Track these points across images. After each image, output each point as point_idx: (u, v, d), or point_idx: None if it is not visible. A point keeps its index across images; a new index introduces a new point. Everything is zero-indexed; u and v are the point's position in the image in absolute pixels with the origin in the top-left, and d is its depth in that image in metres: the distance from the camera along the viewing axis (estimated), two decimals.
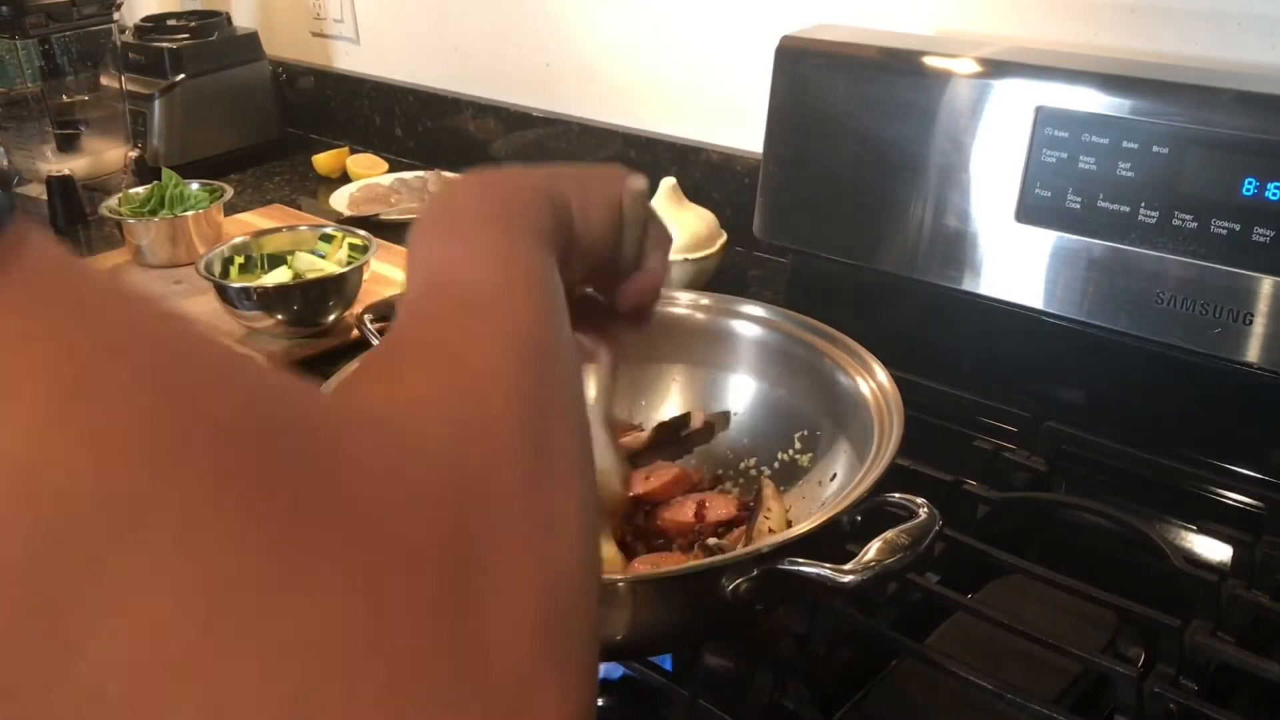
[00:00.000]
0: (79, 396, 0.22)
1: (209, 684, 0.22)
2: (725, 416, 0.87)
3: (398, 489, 0.28)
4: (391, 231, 1.41)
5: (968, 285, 0.94)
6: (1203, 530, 0.81)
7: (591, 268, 0.55)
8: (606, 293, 0.59)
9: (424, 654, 0.26)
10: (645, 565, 0.73)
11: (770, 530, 0.75)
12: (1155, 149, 0.82)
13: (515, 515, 0.31)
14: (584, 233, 0.52)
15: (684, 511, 0.79)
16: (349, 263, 1.16)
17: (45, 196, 1.52)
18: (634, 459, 0.83)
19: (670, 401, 0.89)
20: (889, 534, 0.59)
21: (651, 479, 0.81)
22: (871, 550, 0.58)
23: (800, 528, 0.63)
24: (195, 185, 1.39)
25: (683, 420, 0.86)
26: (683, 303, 0.90)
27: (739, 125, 1.28)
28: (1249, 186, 0.78)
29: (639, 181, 0.57)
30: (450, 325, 0.39)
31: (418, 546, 0.27)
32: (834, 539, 0.64)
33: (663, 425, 0.85)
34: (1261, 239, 0.78)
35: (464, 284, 0.41)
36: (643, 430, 0.86)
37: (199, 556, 0.22)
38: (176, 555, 0.22)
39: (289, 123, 1.85)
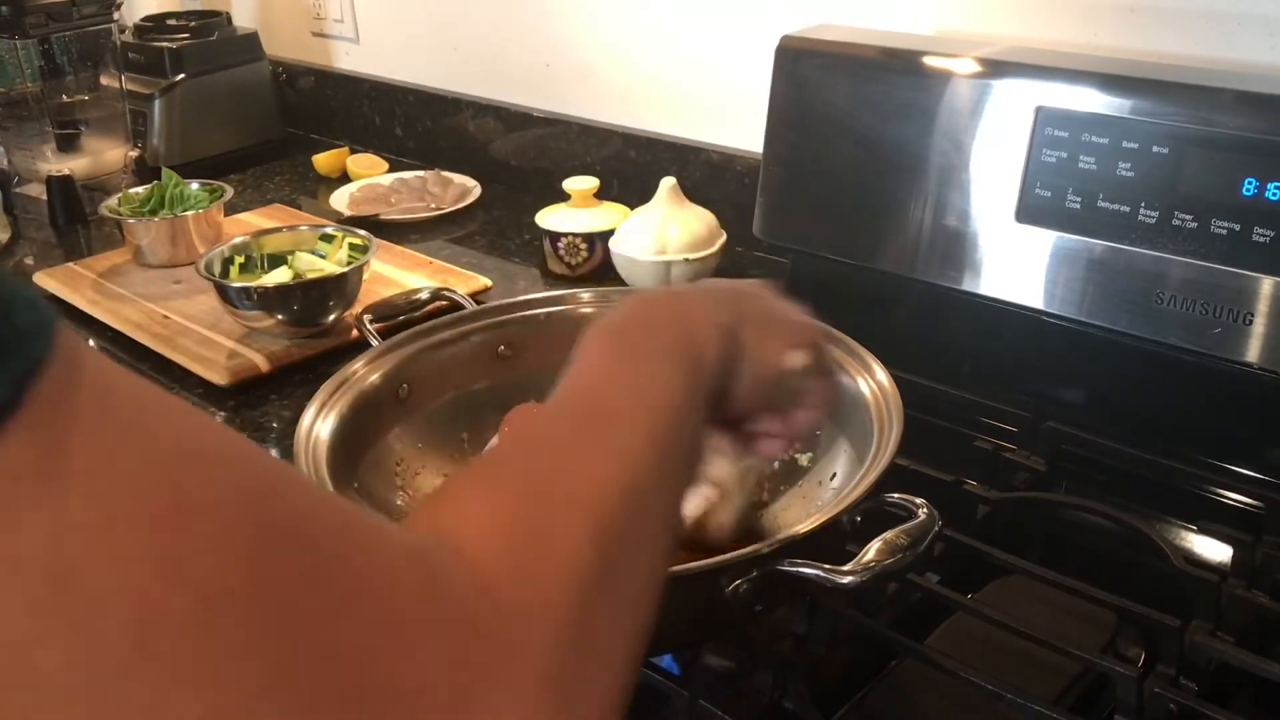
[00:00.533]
0: (70, 577, 0.23)
1: None
2: None
3: (405, 639, 0.28)
4: (391, 231, 1.41)
5: (968, 285, 0.94)
6: (1203, 530, 0.81)
7: (742, 414, 0.58)
8: (750, 414, 0.61)
9: None
10: None
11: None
12: (1155, 149, 0.82)
13: (532, 674, 0.31)
14: (745, 383, 0.55)
15: None
16: (349, 263, 1.16)
17: (45, 196, 1.52)
18: None
19: None
20: (889, 534, 0.59)
21: None
22: (871, 550, 0.58)
23: (800, 528, 0.63)
24: (195, 185, 1.39)
25: None
26: None
27: (739, 125, 1.28)
28: (1249, 186, 0.78)
29: (799, 357, 0.58)
30: (556, 445, 0.40)
31: (421, 694, 0.27)
32: (834, 539, 0.64)
33: None
34: (1261, 239, 0.78)
35: (577, 396, 0.43)
36: None
37: (205, 688, 0.24)
38: (185, 689, 0.24)
39: (289, 123, 1.85)
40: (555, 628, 0.32)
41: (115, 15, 1.61)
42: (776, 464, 0.84)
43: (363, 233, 1.20)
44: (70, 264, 1.34)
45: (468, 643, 0.29)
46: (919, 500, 0.62)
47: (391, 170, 1.63)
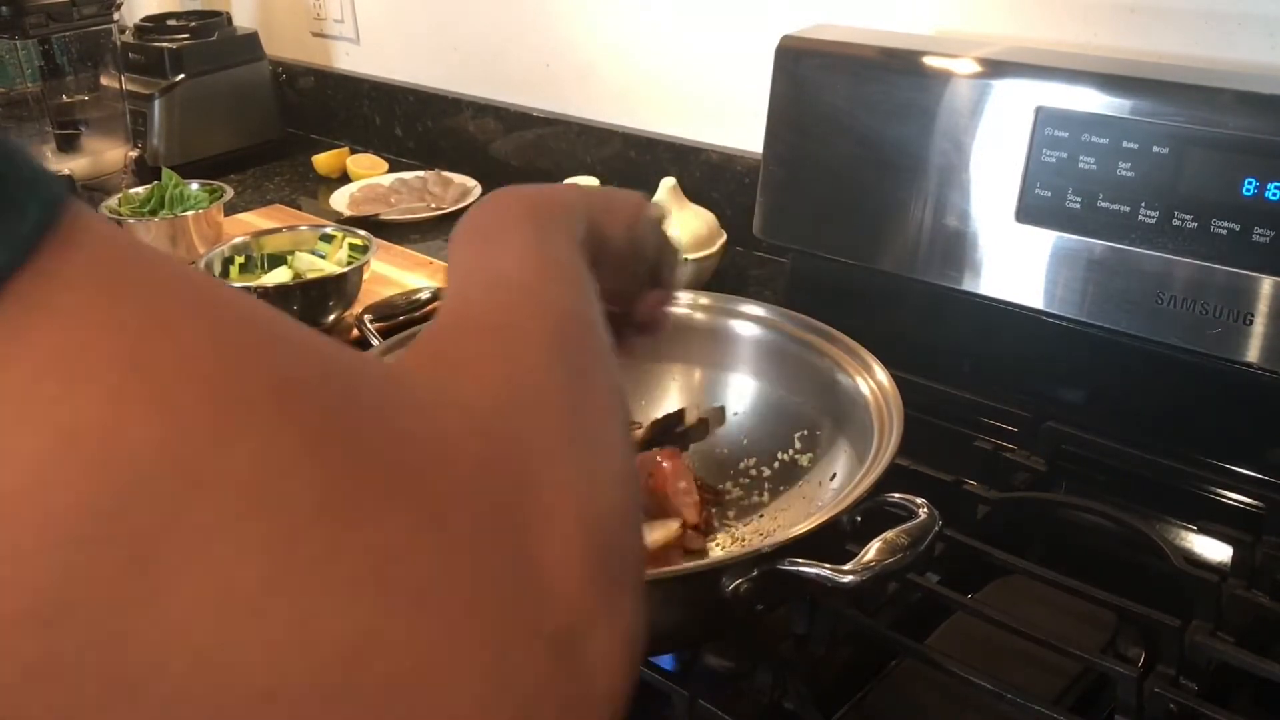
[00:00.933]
0: (144, 366, 0.23)
1: (283, 619, 0.24)
2: (720, 412, 0.86)
3: (449, 426, 0.30)
4: (391, 231, 1.41)
5: (968, 285, 0.93)
6: (1203, 530, 0.81)
7: (612, 279, 0.57)
8: (622, 305, 0.62)
9: (486, 583, 0.28)
10: None
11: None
12: (1155, 149, 0.82)
13: (562, 448, 0.33)
14: (607, 246, 0.55)
15: None
16: (349, 263, 1.16)
17: None
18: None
19: (669, 401, 0.89)
20: (889, 534, 0.59)
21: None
22: (871, 550, 0.58)
23: (800, 528, 0.63)
24: (195, 185, 1.39)
25: (677, 417, 0.86)
26: (683, 303, 0.90)
27: (739, 125, 1.28)
28: (1249, 186, 0.78)
29: (656, 207, 0.60)
30: (492, 307, 0.41)
31: (472, 478, 0.29)
32: (834, 539, 0.64)
33: (657, 422, 0.86)
34: (1261, 239, 0.78)
35: (503, 275, 0.44)
36: (639, 427, 0.86)
37: (268, 502, 0.24)
38: (246, 502, 0.24)
39: (289, 123, 1.85)
40: (565, 428, 0.34)
41: (115, 15, 1.61)
42: (777, 464, 0.84)
43: (363, 233, 1.20)
44: None
45: (516, 436, 0.32)
46: (919, 500, 0.62)
47: (391, 170, 1.63)
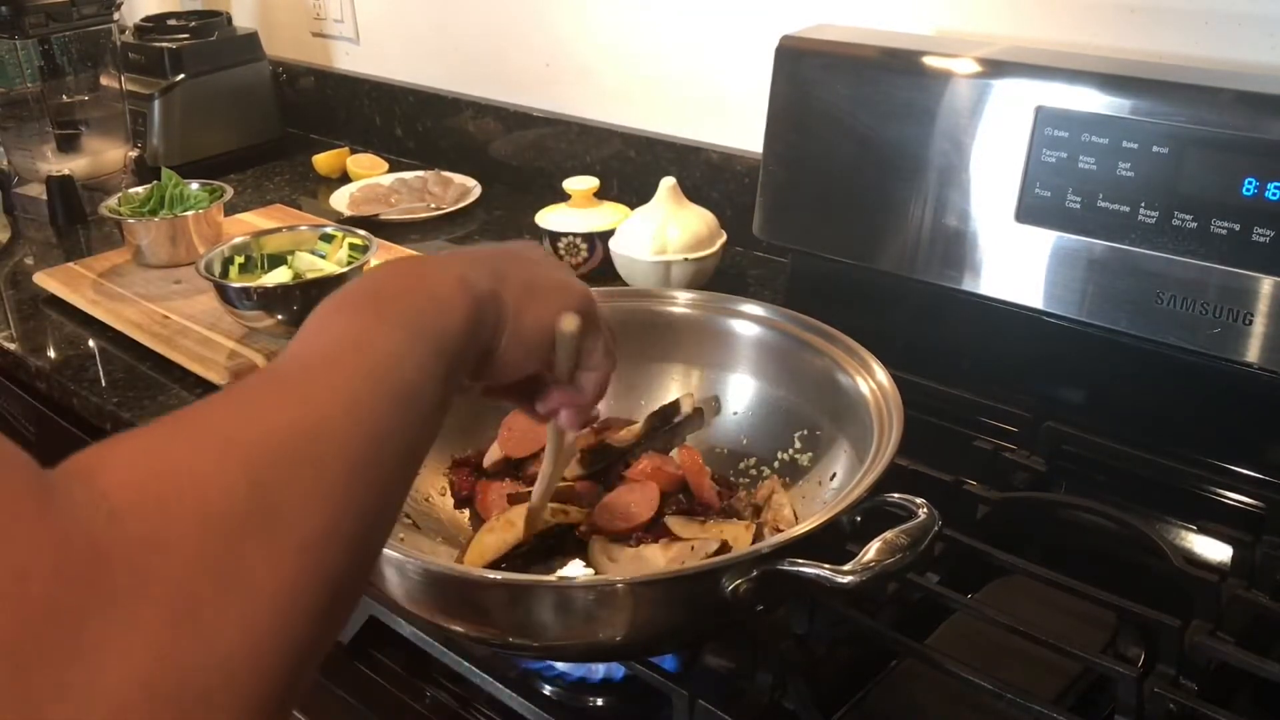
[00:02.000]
0: None
1: None
2: (715, 401, 0.87)
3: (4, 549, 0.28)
4: (391, 231, 1.41)
5: (968, 285, 0.93)
6: (1203, 530, 0.81)
7: (511, 378, 0.57)
8: (531, 397, 0.62)
9: None
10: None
11: (777, 529, 0.75)
12: (1155, 149, 0.82)
13: (159, 599, 0.30)
14: (508, 348, 0.54)
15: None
16: (349, 263, 1.16)
17: (45, 196, 1.52)
18: (629, 451, 0.83)
19: (669, 400, 0.89)
20: (889, 534, 0.59)
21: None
22: (871, 550, 0.58)
23: (800, 527, 0.63)
24: (195, 185, 1.39)
25: (673, 407, 0.86)
26: (682, 302, 0.90)
27: (739, 125, 1.28)
28: (1249, 186, 0.78)
29: (571, 321, 0.58)
30: (236, 394, 0.40)
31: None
32: (834, 539, 0.64)
33: (653, 414, 0.86)
34: (1261, 239, 0.78)
35: (294, 354, 0.43)
36: (635, 423, 0.86)
37: None
38: None
39: (289, 123, 1.85)
40: (187, 558, 0.31)
41: (115, 15, 1.61)
42: (777, 464, 0.84)
43: (363, 233, 1.20)
44: (70, 264, 1.34)
45: (81, 561, 0.29)
46: (919, 500, 0.62)
47: (391, 170, 1.63)
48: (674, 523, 0.76)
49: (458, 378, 0.50)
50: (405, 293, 0.49)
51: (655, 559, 0.72)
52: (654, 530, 0.76)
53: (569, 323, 0.58)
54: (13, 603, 0.27)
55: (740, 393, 0.87)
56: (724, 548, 0.71)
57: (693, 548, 0.72)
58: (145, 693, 0.28)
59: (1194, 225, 0.81)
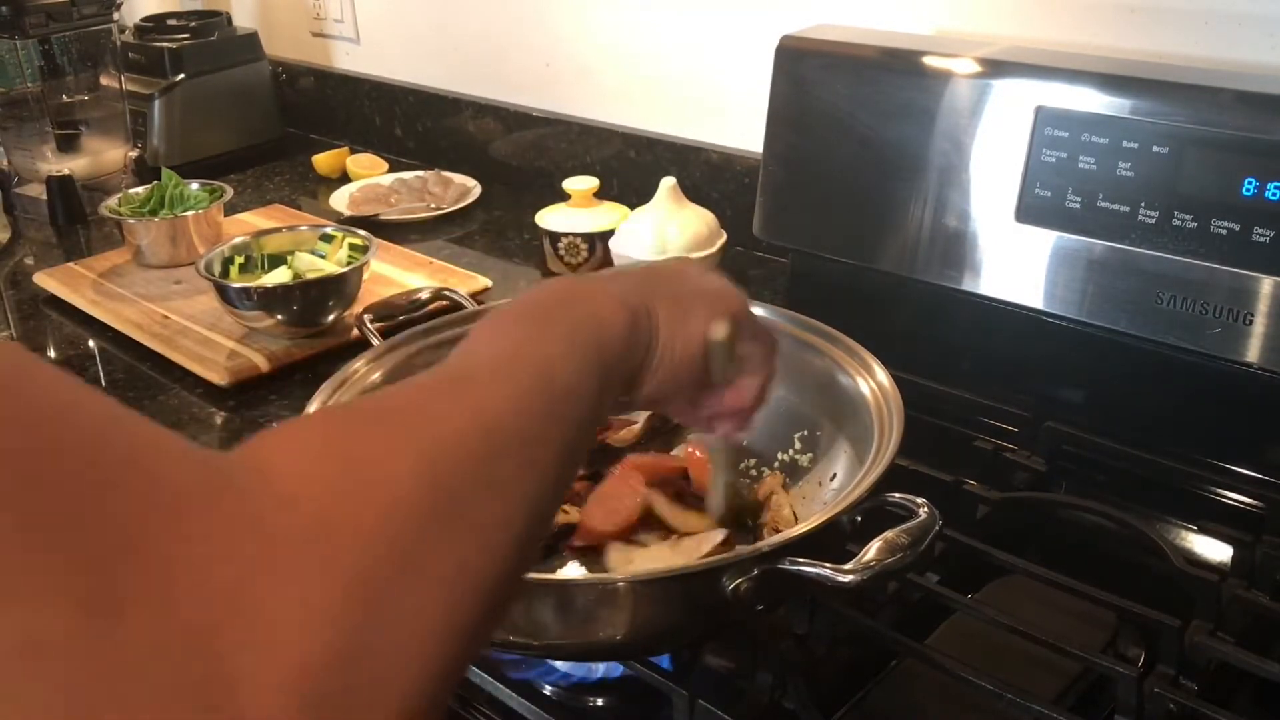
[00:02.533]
0: None
1: None
2: None
3: (183, 525, 0.28)
4: (391, 231, 1.41)
5: (968, 285, 0.93)
6: (1203, 530, 0.81)
7: (667, 392, 0.58)
8: (695, 404, 0.63)
9: (153, 703, 0.25)
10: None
11: (777, 529, 0.75)
12: (1155, 149, 0.82)
13: (333, 580, 0.30)
14: (662, 362, 0.55)
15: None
16: (349, 263, 1.16)
17: (45, 196, 1.52)
18: (629, 450, 0.83)
19: None
20: (889, 534, 0.59)
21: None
22: (871, 550, 0.58)
23: (800, 528, 0.63)
24: (195, 185, 1.39)
25: None
26: None
27: (739, 125, 1.28)
28: (1249, 186, 0.78)
29: (721, 329, 0.58)
30: (407, 398, 0.41)
31: (169, 586, 0.27)
32: (834, 539, 0.64)
33: (653, 414, 0.86)
34: (1261, 239, 0.78)
35: (459, 360, 0.44)
36: (635, 422, 0.86)
37: None
38: None
39: (289, 123, 1.85)
40: (364, 543, 0.31)
41: (115, 15, 1.61)
42: (777, 464, 0.84)
43: (363, 233, 1.20)
44: (70, 264, 1.34)
45: (254, 540, 0.29)
46: (919, 500, 0.62)
47: (391, 170, 1.63)
48: (661, 505, 0.76)
49: (614, 389, 0.52)
50: (567, 305, 0.51)
51: (665, 556, 0.72)
52: (647, 524, 0.76)
53: (718, 331, 0.58)
54: (190, 591, 0.27)
55: None
56: (728, 540, 0.71)
57: (698, 542, 0.72)
58: (316, 675, 0.28)
59: (1194, 225, 0.81)
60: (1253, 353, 0.80)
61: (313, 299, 1.11)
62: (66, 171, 1.53)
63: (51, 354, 1.18)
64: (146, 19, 1.76)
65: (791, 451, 0.83)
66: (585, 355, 0.48)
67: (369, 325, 0.88)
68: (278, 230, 1.24)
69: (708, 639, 0.71)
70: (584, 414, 0.46)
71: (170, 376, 1.11)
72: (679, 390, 0.59)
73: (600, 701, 0.72)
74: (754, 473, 0.84)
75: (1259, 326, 0.79)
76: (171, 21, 1.74)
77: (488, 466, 0.38)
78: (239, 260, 1.18)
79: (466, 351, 0.46)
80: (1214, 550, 0.80)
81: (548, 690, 0.72)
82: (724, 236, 1.20)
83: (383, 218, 1.46)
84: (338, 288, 1.12)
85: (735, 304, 0.60)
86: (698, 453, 0.80)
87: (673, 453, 0.84)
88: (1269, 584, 0.73)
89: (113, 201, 1.36)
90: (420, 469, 0.35)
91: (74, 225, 1.52)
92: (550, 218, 1.28)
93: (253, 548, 0.29)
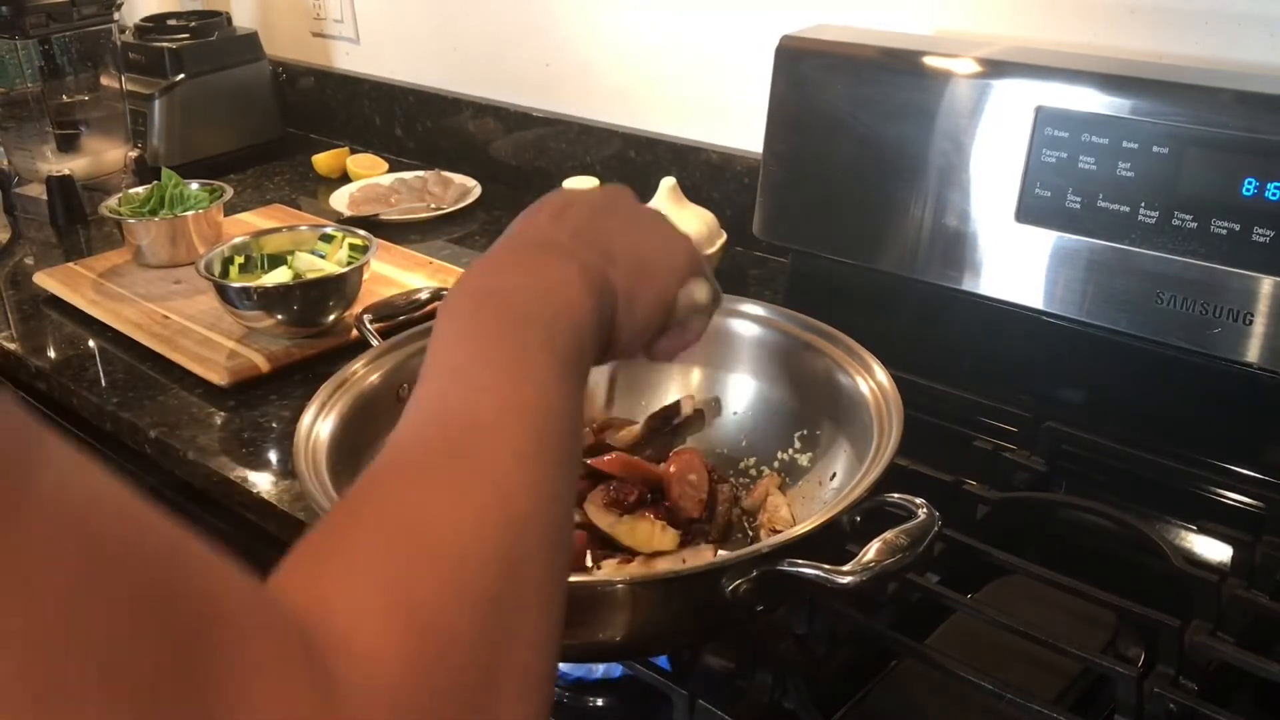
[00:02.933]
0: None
1: None
2: (716, 403, 0.87)
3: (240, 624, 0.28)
4: (391, 231, 1.41)
5: (968, 285, 0.93)
6: (1203, 530, 0.81)
7: (628, 334, 0.56)
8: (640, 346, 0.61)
9: None
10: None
11: (774, 529, 0.75)
12: (1155, 149, 0.82)
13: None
14: (623, 329, 0.53)
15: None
16: (349, 263, 1.16)
17: (45, 196, 1.52)
18: (629, 452, 0.83)
19: (670, 400, 0.89)
20: (888, 534, 0.59)
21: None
22: (871, 551, 0.58)
23: (800, 528, 0.63)
24: (195, 185, 1.39)
25: (673, 409, 0.86)
26: None
27: (739, 125, 1.28)
28: (1249, 186, 0.78)
29: (702, 291, 0.58)
30: (419, 479, 0.39)
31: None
32: (834, 539, 0.64)
33: (654, 415, 0.86)
34: (1261, 239, 0.78)
35: (456, 414, 0.42)
36: (635, 424, 0.86)
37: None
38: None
39: (289, 123, 1.85)
40: (434, 701, 0.32)
41: (115, 15, 1.61)
42: (776, 464, 0.84)
43: (363, 233, 1.20)
44: (70, 264, 1.34)
45: (321, 700, 0.29)
46: (919, 500, 0.62)
47: (391, 170, 1.63)
48: (592, 509, 0.75)
49: (586, 375, 0.50)
50: (536, 300, 0.48)
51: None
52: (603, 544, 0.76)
53: (701, 293, 0.58)
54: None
55: (740, 393, 0.87)
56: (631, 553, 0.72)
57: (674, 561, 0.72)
58: None
59: (1194, 225, 0.81)
60: (1253, 353, 0.80)
61: (313, 299, 1.11)
62: (66, 171, 1.53)
63: (51, 354, 1.18)
64: (146, 19, 1.76)
65: (791, 451, 0.83)
66: (570, 372, 0.46)
67: (369, 325, 0.88)
68: (278, 230, 1.24)
69: (708, 639, 0.71)
70: (577, 425, 0.45)
71: (170, 376, 1.11)
72: (630, 349, 0.58)
73: (600, 701, 0.72)
74: (753, 472, 0.84)
75: (1259, 326, 0.79)
76: (171, 21, 1.74)
77: (519, 567, 0.37)
78: (239, 260, 1.18)
79: (452, 395, 0.43)
80: (1214, 550, 0.80)
81: None
82: (724, 236, 1.20)
83: (383, 218, 1.46)
84: (338, 288, 1.12)
85: (694, 256, 0.59)
86: (673, 468, 0.80)
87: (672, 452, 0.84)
88: (1269, 584, 0.73)
89: (113, 201, 1.36)
90: (476, 612, 0.35)
91: (74, 225, 1.52)
92: None
93: (320, 708, 0.29)
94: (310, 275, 1.14)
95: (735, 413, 0.87)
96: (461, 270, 1.27)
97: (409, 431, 0.42)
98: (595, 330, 0.51)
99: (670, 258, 0.58)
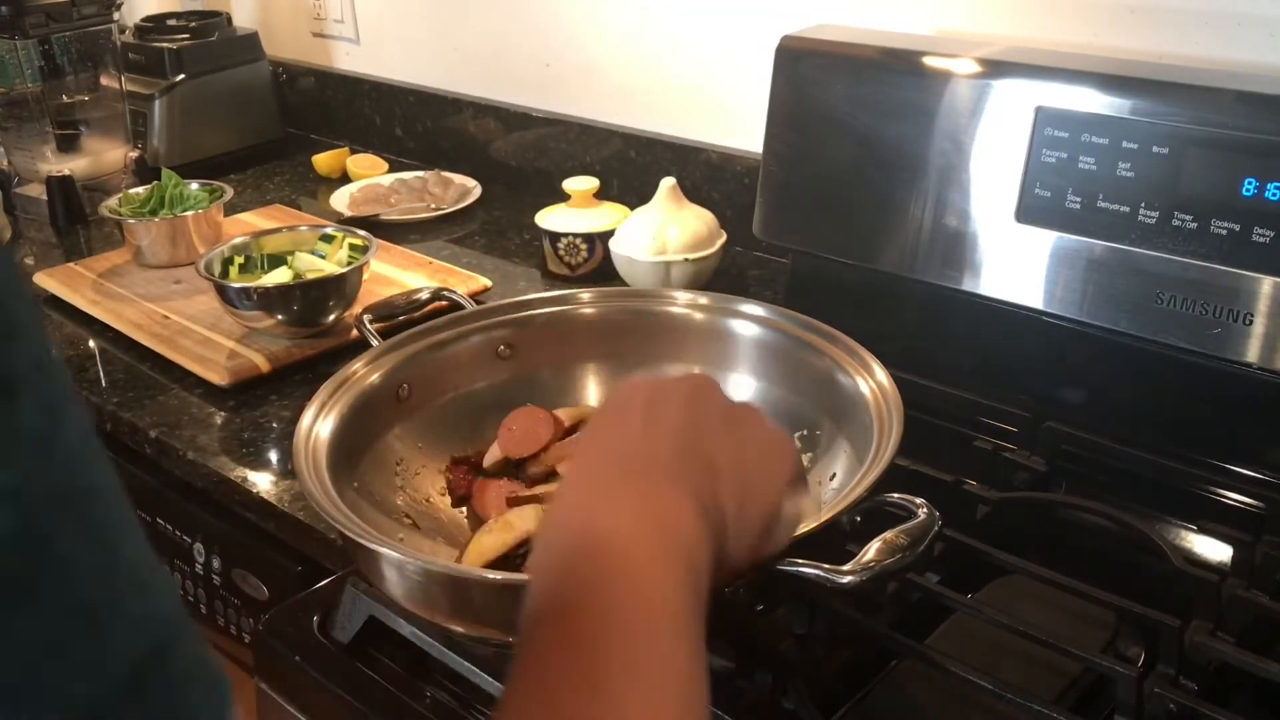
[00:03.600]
0: None
1: None
2: None
3: None
4: (391, 231, 1.41)
5: (968, 285, 0.93)
6: (1203, 530, 0.81)
7: (737, 571, 0.53)
8: None
9: None
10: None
11: None
12: (1155, 149, 0.82)
13: None
14: (731, 553, 0.50)
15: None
16: (349, 263, 1.16)
17: (45, 196, 1.52)
18: None
19: None
20: (888, 534, 0.59)
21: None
22: (871, 550, 0.58)
23: (800, 528, 0.63)
24: (195, 185, 1.39)
25: None
26: (682, 302, 0.90)
27: (739, 125, 1.28)
28: (1249, 186, 0.78)
29: (809, 505, 0.55)
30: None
31: None
32: (834, 539, 0.64)
33: None
34: (1261, 239, 0.78)
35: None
36: None
37: None
38: None
39: (289, 123, 1.85)
40: None
41: (115, 15, 1.61)
42: None
43: (363, 233, 1.20)
44: (70, 264, 1.34)
45: None
46: (919, 500, 0.62)
47: (391, 170, 1.63)
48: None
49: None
50: (669, 537, 0.45)
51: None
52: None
53: (806, 507, 0.56)
54: None
55: (740, 393, 0.87)
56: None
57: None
58: None
59: (1194, 225, 0.81)
60: (1253, 353, 0.80)
61: (313, 299, 1.11)
62: (67, 171, 1.53)
63: (52, 354, 1.18)
64: (146, 19, 1.76)
65: None
66: (697, 621, 0.44)
67: (368, 325, 0.88)
68: (278, 230, 1.24)
69: (707, 639, 0.70)
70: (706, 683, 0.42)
71: (170, 376, 1.11)
72: (736, 575, 0.53)
73: None
74: None
75: (1259, 326, 0.79)
76: (171, 22, 1.74)
77: None
78: (239, 260, 1.18)
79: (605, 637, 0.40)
80: (1214, 550, 0.80)
81: None
82: (724, 236, 1.20)
83: (383, 218, 1.46)
84: (338, 288, 1.12)
85: (798, 462, 0.55)
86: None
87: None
88: (1269, 584, 0.73)
89: (113, 201, 1.36)
90: None
91: (74, 225, 1.52)
92: (550, 218, 1.28)
93: None
94: (310, 275, 1.14)
95: None
96: (461, 270, 1.27)
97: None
98: (709, 566, 0.47)
99: (777, 467, 0.54)
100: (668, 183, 1.18)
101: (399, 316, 0.93)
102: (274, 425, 1.02)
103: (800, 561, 0.59)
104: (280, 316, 1.10)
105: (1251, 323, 0.79)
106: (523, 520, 0.74)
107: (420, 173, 1.59)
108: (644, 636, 0.41)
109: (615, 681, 0.38)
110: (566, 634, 0.40)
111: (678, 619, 0.42)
